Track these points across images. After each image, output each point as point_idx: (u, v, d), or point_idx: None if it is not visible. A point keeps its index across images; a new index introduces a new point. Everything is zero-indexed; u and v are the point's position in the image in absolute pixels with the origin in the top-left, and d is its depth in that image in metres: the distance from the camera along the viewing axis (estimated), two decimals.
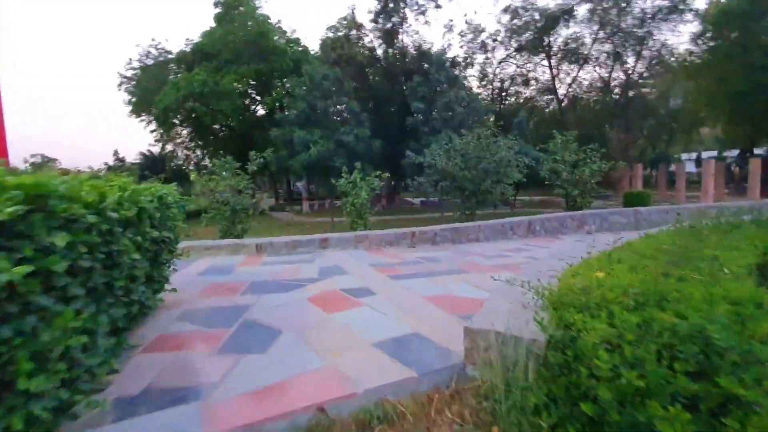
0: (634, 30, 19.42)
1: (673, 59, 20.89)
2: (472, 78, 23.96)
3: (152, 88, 22.81)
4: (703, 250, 2.98)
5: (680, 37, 39.98)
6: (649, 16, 19.39)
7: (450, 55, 18.41)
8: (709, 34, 19.19)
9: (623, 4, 18.84)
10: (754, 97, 16.90)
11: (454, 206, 10.60)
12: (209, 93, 19.56)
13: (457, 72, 17.70)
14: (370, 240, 5.84)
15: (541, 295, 2.03)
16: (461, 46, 24.19)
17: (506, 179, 9.55)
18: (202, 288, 3.77)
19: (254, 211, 8.67)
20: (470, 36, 23.47)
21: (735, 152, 38.80)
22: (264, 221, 17.24)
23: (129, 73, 25.59)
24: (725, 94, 18.61)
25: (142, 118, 25.90)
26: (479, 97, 17.31)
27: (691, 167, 40.99)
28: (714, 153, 41.34)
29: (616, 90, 21.72)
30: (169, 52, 25.18)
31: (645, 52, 20.63)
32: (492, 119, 21.19)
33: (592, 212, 8.03)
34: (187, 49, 23.85)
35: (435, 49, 18.45)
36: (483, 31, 23.54)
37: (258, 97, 25.78)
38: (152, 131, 26.31)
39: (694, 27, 20.27)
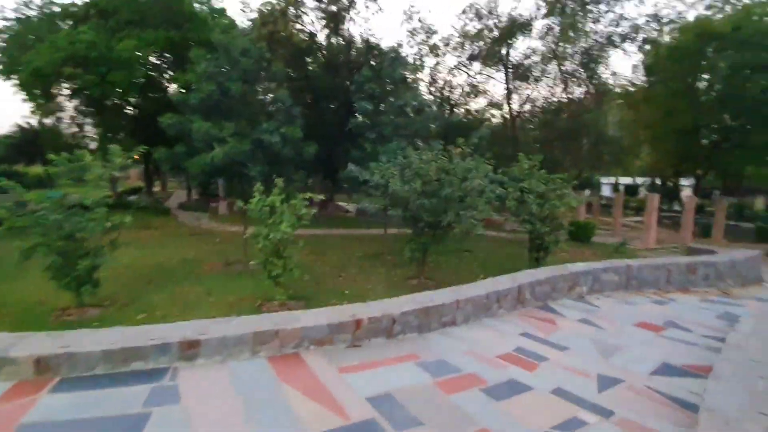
0: (589, 52, 18.90)
1: (619, 89, 20.90)
2: (422, 83, 22.12)
3: (32, 46, 17.66)
4: None
5: (629, 67, 42.30)
6: (602, 41, 19.00)
7: (402, 53, 16.24)
8: (656, 70, 19.32)
9: (579, 24, 18.18)
10: (698, 136, 17.17)
11: (401, 221, 8.27)
12: (98, 59, 15.27)
13: (410, 74, 15.52)
14: (282, 339, 3.26)
15: None
16: (411, 46, 22.21)
17: (473, 212, 7.43)
18: None
19: (113, 242, 5.60)
20: (422, 36, 21.62)
21: (643, 179, 41.70)
22: (164, 226, 13.61)
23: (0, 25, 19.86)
24: (671, 129, 18.79)
25: (16, 81, 20.24)
26: (431, 105, 15.37)
27: (607, 191, 43.78)
28: (629, 180, 44.50)
29: (564, 114, 21.23)
30: (53, 2, 19.92)
31: (594, 78, 20.31)
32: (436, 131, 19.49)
33: (584, 269, 6.25)
34: (79, 1, 18.97)
35: (385, 44, 16.19)
36: (435, 32, 21.82)
37: (171, 73, 21.43)
38: (25, 100, 20.68)
39: (644, 59, 20.40)
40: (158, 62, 20.69)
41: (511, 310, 4.97)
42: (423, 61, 21.46)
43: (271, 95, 11.72)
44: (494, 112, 23.94)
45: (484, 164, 7.64)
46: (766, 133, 16.81)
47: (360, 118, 11.96)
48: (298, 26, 17.01)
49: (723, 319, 5.48)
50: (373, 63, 14.38)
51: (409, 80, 12.77)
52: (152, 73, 20.23)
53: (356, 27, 45.22)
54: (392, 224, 12.03)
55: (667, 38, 19.88)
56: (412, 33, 21.24)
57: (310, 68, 17.77)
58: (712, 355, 4.01)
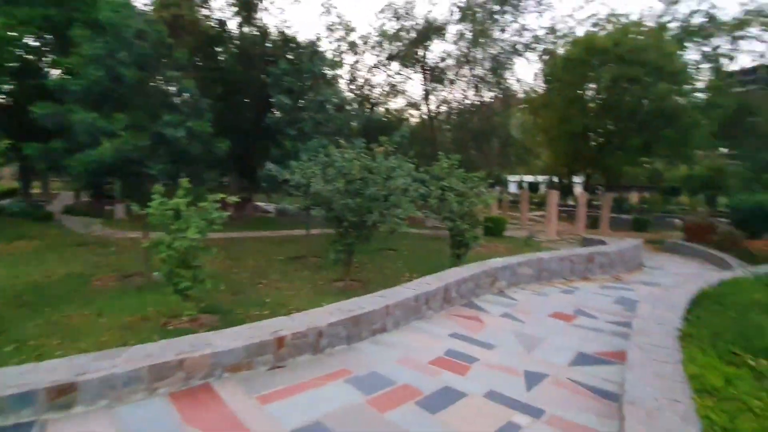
0: (497, 58, 20.22)
1: (522, 94, 22.72)
2: (342, 80, 21.80)
3: None
4: None
5: (531, 75, 46.13)
6: (508, 49, 20.46)
7: (320, 48, 15.75)
8: (552, 78, 21.31)
9: (490, 31, 19.36)
10: (587, 139, 19.33)
11: (324, 221, 7.91)
12: None
13: (329, 69, 15.12)
14: (188, 370, 2.76)
15: None
16: (330, 42, 21.76)
17: (397, 211, 7.37)
18: None
19: None
20: (341, 32, 21.32)
21: (543, 177, 46.31)
22: (44, 235, 11.47)
23: None
24: (565, 133, 20.87)
25: None
26: (352, 103, 15.12)
27: (514, 188, 47.79)
28: (532, 178, 49.03)
29: (476, 116, 22.52)
30: None
31: (502, 83, 21.82)
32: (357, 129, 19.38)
33: (503, 264, 6.54)
34: None
35: (302, 38, 15.56)
36: (354, 30, 21.67)
37: (53, 58, 18.21)
38: None
39: (543, 68, 22.40)
40: (37, 44, 17.47)
41: (439, 311, 4.95)
42: (342, 58, 21.20)
43: (175, 85, 10.48)
44: (413, 112, 24.58)
45: (407, 163, 7.63)
46: (639, 137, 19.54)
47: (278, 113, 11.28)
48: (205, 11, 15.61)
49: (620, 304, 6.10)
50: (290, 57, 13.69)
51: (329, 76, 12.37)
52: (29, 57, 17.03)
53: (271, 17, 43.29)
54: (315, 224, 11.59)
55: (561, 50, 22.08)
56: (331, 28, 20.84)
57: (221, 59, 16.42)
58: (617, 340, 4.37)
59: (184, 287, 5.04)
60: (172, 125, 8.18)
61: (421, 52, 21.52)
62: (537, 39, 20.88)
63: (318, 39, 12.13)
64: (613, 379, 3.34)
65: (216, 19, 16.13)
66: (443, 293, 5.04)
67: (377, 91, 22.67)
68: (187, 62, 12.37)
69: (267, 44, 15.90)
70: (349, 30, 21.47)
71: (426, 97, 22.39)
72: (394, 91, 22.72)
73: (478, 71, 22.02)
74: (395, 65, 22.32)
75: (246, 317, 5.39)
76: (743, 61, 24.09)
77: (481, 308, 5.36)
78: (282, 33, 15.83)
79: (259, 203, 21.87)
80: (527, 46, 20.90)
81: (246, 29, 16.42)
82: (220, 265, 8.41)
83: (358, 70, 22.34)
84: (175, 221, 5.06)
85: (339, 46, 21.40)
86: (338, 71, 18.59)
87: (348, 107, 12.27)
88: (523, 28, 21.02)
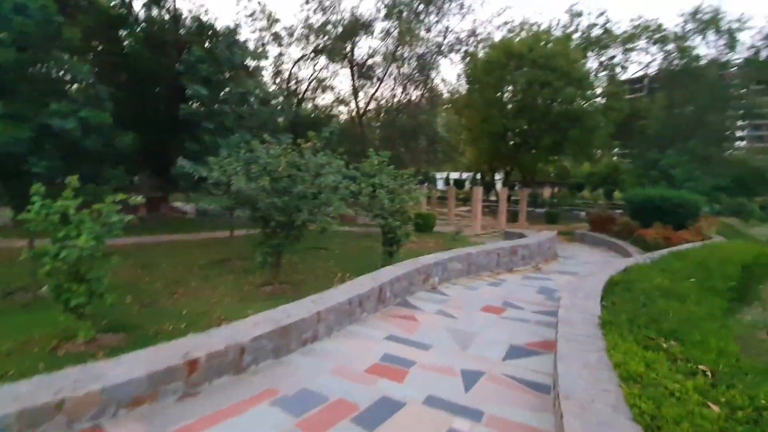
0: (423, 57, 20.66)
1: (448, 94, 23.53)
2: (267, 74, 20.76)
3: None
4: None
5: (455, 76, 47.89)
6: (434, 48, 21.02)
7: (241, 38, 14.75)
8: (474, 80, 22.31)
9: (415, 29, 19.71)
10: (506, 138, 20.56)
11: (249, 222, 7.33)
12: None
13: (252, 60, 14.20)
14: (71, 412, 2.23)
15: None
16: (252, 32, 20.61)
17: (327, 209, 7.07)
18: None
19: None
20: (263, 22, 20.28)
21: (467, 174, 48.93)
22: None
23: None
24: (486, 132, 21.98)
25: None
26: (278, 96, 14.34)
27: (441, 185, 49.72)
28: (457, 175, 51.38)
29: (404, 114, 22.84)
30: None
31: (428, 83, 22.38)
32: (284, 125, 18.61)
33: (435, 261, 6.57)
34: None
35: (221, 26, 14.38)
36: (278, 21, 20.75)
37: None
38: None
39: (465, 69, 23.34)
40: None
41: (373, 312, 4.78)
42: (266, 50, 20.17)
43: (68, 70, 9.00)
44: (342, 109, 24.26)
45: (337, 159, 7.35)
46: (550, 137, 21.26)
47: (194, 105, 10.28)
48: None
49: (542, 294, 6.45)
50: (207, 45, 12.60)
51: (251, 68, 11.54)
52: None
53: (184, 1, 39.90)
54: (240, 225, 10.82)
55: (482, 53, 23.23)
56: (252, 17, 19.71)
57: (126, 43, 14.64)
58: (542, 329, 4.57)
59: (78, 304, 4.29)
60: (61, 115, 7.00)
61: (348, 47, 21.26)
62: (459, 41, 21.73)
63: (237, 26, 11.25)
64: (543, 370, 3.42)
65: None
66: (378, 294, 4.88)
67: (305, 86, 21.99)
68: (81, 44, 10.80)
69: (181, 31, 14.51)
70: (273, 20, 20.53)
71: (355, 94, 22.22)
72: (321, 86, 22.22)
73: (406, 69, 22.36)
74: (322, 60, 21.84)
75: (158, 333, 4.76)
76: (633, 69, 27.30)
77: (416, 306, 5.30)
78: (197, 18, 14.56)
79: (177, 203, 20.04)
80: (451, 47, 21.66)
81: (155, 12, 14.82)
82: (128, 274, 7.44)
83: (284, 63, 21.49)
84: (63, 227, 4.29)
85: (261, 36, 20.37)
86: (262, 63, 17.65)
87: (274, 101, 11.57)
88: (447, 29, 21.75)
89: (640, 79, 30.91)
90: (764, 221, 17.78)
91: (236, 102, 10.09)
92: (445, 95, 24.87)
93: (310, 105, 23.38)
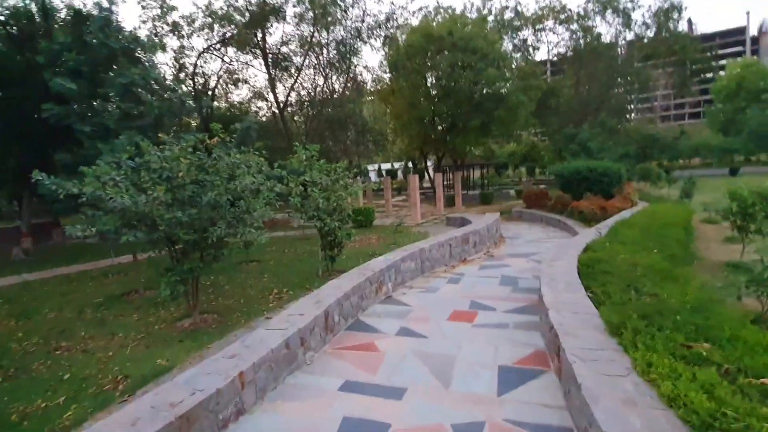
0: (343, 43, 19.51)
1: (372, 82, 22.63)
2: (165, 67, 18.22)
3: None
4: None
5: (378, 63, 46.88)
6: (353, 33, 19.93)
7: (128, 27, 12.39)
8: (398, 66, 21.61)
9: (331, 11, 18.46)
10: (434, 123, 20.20)
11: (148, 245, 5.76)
12: None
13: (142, 51, 11.93)
14: None
15: None
16: (144, 21, 17.88)
17: (251, 218, 5.77)
18: None
19: None
20: (156, 11, 17.67)
21: (399, 163, 49.01)
22: None
23: None
24: (414, 118, 21.49)
25: None
26: (176, 88, 12.15)
27: (373, 177, 49.17)
28: (389, 165, 51.09)
29: (329, 105, 21.53)
30: None
31: (350, 70, 21.30)
32: (195, 122, 16.46)
33: (386, 264, 5.63)
34: None
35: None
36: (174, 8, 18.24)
37: None
38: None
39: (387, 55, 22.57)
40: None
41: (321, 347, 3.71)
42: (162, 41, 17.64)
43: None
44: (261, 104, 22.28)
45: (255, 157, 6.04)
46: (477, 119, 21.35)
47: (63, 105, 8.13)
48: None
49: (506, 285, 5.84)
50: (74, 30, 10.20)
51: (135, 52, 9.39)
52: None
53: None
54: (141, 246, 8.96)
55: (402, 38, 22.63)
56: (143, 5, 17.07)
57: None
58: (526, 336, 3.85)
59: None
60: None
61: (259, 35, 19.38)
62: (378, 24, 20.87)
63: (113, 3, 9.08)
64: (552, 403, 2.64)
65: None
66: (324, 321, 3.80)
67: (214, 81, 19.72)
68: None
69: (48, 21, 11.72)
70: (168, 8, 17.95)
71: (272, 86, 20.41)
72: (233, 80, 20.11)
73: (326, 57, 21.04)
74: (231, 50, 19.70)
75: (23, 418, 3.29)
76: (544, 50, 28.70)
77: (372, 327, 4.32)
78: (71, 7, 11.87)
79: (74, 226, 16.92)
80: (370, 32, 20.73)
81: (20, 4, 11.85)
82: None
83: (187, 57, 19.04)
84: None
85: (156, 26, 17.76)
86: (158, 57, 15.21)
87: (171, 93, 9.68)
88: (364, 12, 20.76)
89: (552, 62, 32.63)
90: (670, 183, 19.46)
91: (119, 96, 8.17)
92: (370, 83, 23.97)
93: (224, 103, 21.10)
